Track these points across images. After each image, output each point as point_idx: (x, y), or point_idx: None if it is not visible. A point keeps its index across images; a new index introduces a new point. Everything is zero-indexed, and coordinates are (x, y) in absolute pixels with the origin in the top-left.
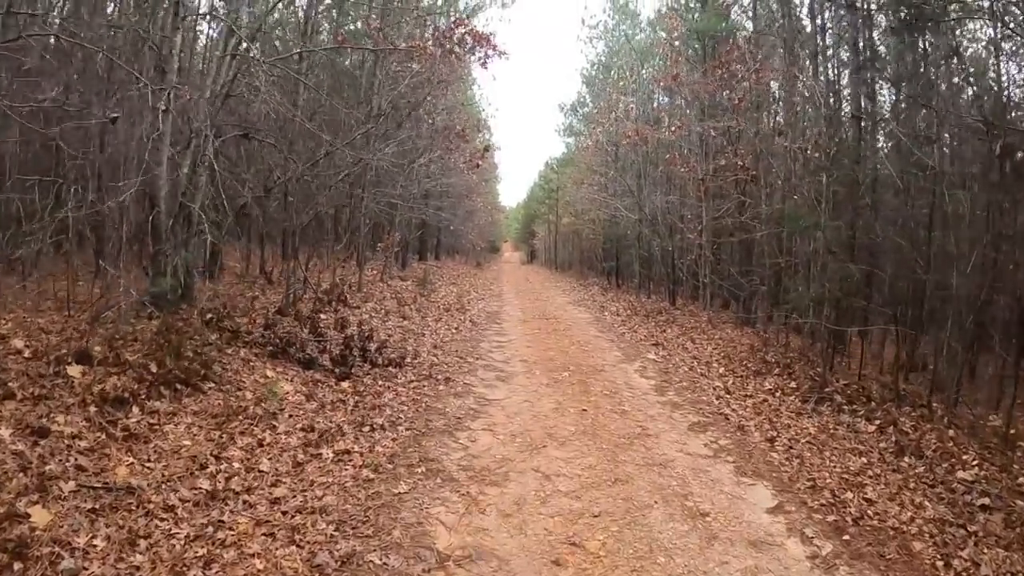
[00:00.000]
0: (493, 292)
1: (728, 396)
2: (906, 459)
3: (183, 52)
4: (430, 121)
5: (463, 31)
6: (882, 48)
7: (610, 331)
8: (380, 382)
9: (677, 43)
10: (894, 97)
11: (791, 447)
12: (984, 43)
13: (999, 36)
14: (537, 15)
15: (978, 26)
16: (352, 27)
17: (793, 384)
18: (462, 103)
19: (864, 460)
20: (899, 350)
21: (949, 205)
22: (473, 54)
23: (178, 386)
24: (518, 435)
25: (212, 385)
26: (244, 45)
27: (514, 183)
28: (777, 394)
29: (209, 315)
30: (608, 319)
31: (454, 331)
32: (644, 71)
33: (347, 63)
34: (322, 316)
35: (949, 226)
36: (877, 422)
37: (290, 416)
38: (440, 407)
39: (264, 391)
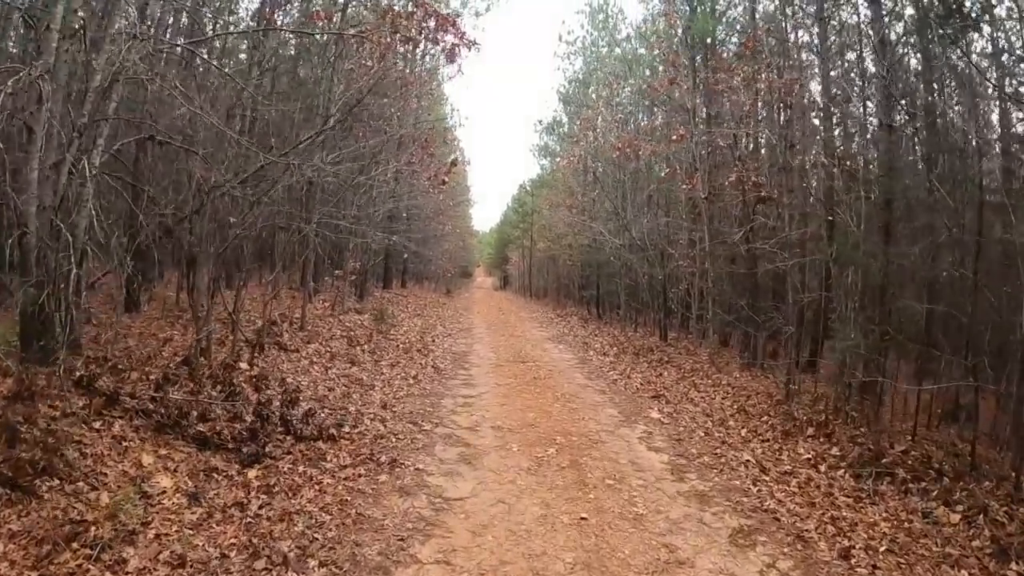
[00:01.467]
0: (463, 326)
1: (764, 476)
2: (1013, 567)
3: (65, 27)
4: (387, 130)
5: (423, 12)
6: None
7: (599, 377)
8: (302, 468)
9: (676, 41)
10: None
11: (873, 563)
12: None
13: None
14: (511, 34)
15: None
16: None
17: (835, 451)
18: (429, 114)
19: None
20: (976, 410)
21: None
22: (436, 43)
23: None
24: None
25: (56, 483)
26: (133, 23)
27: (488, 207)
28: (821, 468)
29: (80, 372)
30: (595, 360)
31: (411, 381)
32: (628, 83)
33: (304, 71)
34: (243, 366)
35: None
36: (960, 509)
37: (156, 538)
38: (377, 516)
39: (124, 496)
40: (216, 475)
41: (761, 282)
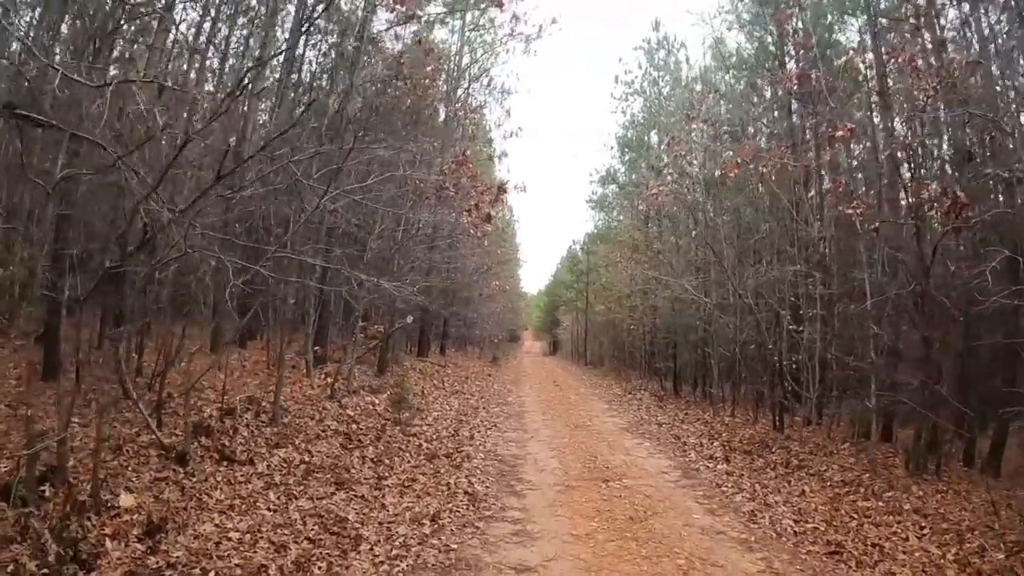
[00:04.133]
0: (511, 408)
1: None
2: None
3: None
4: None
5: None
6: None
7: (724, 507)
8: None
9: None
10: None
11: None
12: None
13: None
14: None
15: None
16: None
17: None
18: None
19: None
20: None
21: None
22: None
23: None
24: None
25: None
26: None
27: (534, 269)
28: None
29: None
30: (703, 470)
31: (428, 529)
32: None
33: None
34: (124, 501)
35: None
36: None
37: None
38: None
39: None
40: None
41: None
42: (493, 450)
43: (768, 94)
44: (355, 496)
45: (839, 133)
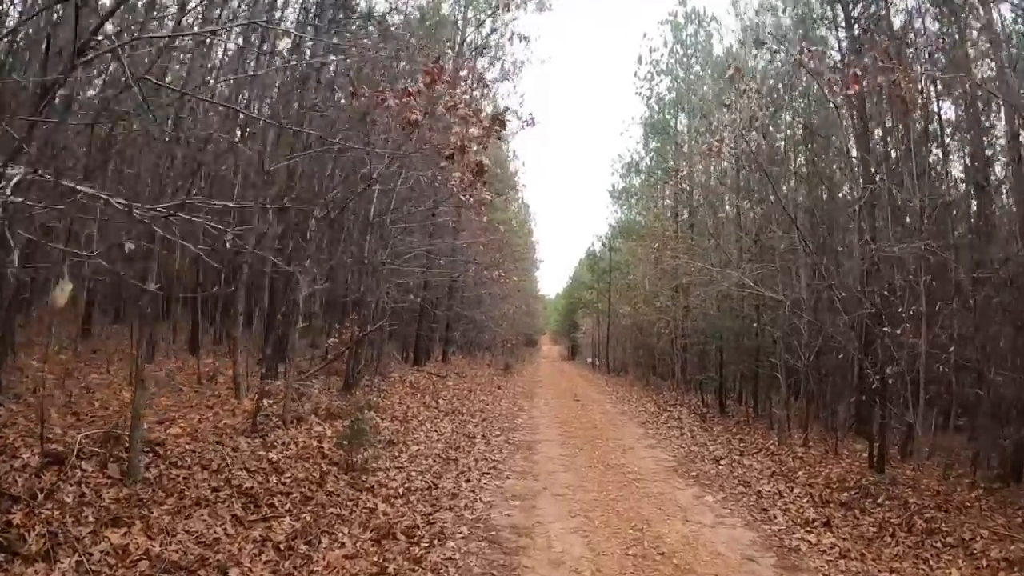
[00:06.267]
0: (519, 437)
1: None
2: None
3: None
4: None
5: None
6: None
7: None
8: None
9: None
10: None
11: None
12: None
13: None
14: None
15: None
16: None
17: None
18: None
19: None
20: None
21: None
22: None
23: None
24: None
25: None
26: None
27: (553, 274)
28: None
29: None
30: (803, 547)
31: None
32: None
33: None
34: None
35: None
36: None
37: None
38: None
39: None
40: None
41: None
42: (484, 517)
43: None
44: None
45: None
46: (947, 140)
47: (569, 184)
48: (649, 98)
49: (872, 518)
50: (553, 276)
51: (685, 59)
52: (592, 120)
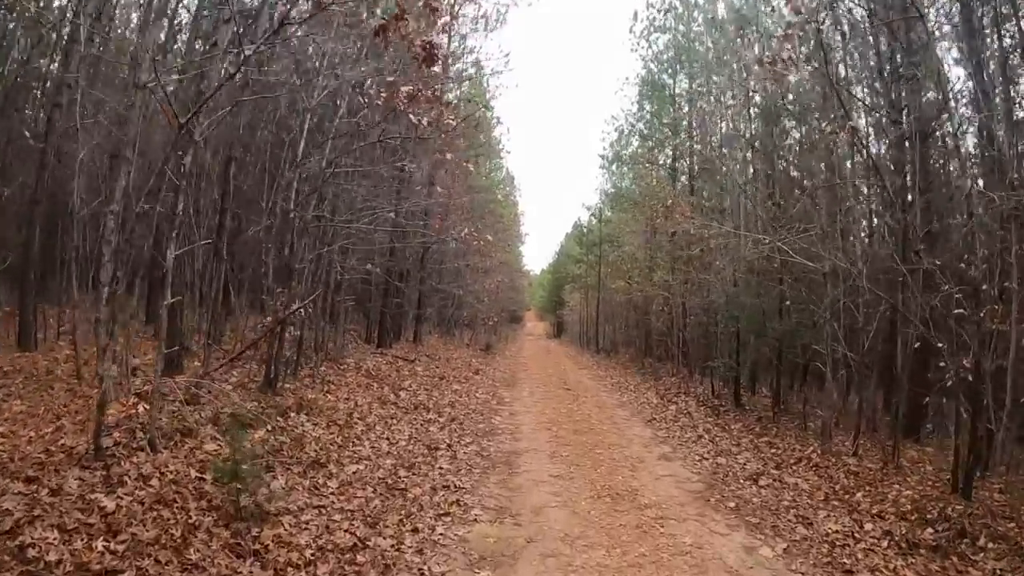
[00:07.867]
0: (498, 445)
1: None
2: None
3: None
4: None
5: None
6: None
7: None
8: None
9: None
10: None
11: None
12: None
13: None
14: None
15: None
16: None
17: None
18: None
19: None
20: None
21: None
22: None
23: None
24: None
25: None
26: None
27: (537, 250)
28: None
29: None
30: None
31: None
32: None
33: None
34: None
35: None
36: None
37: None
38: None
39: None
40: None
41: None
42: None
43: None
44: None
45: None
46: None
47: (555, 157)
48: (649, 51)
49: (980, 572)
50: (539, 251)
51: (686, 13)
52: (580, 91)
